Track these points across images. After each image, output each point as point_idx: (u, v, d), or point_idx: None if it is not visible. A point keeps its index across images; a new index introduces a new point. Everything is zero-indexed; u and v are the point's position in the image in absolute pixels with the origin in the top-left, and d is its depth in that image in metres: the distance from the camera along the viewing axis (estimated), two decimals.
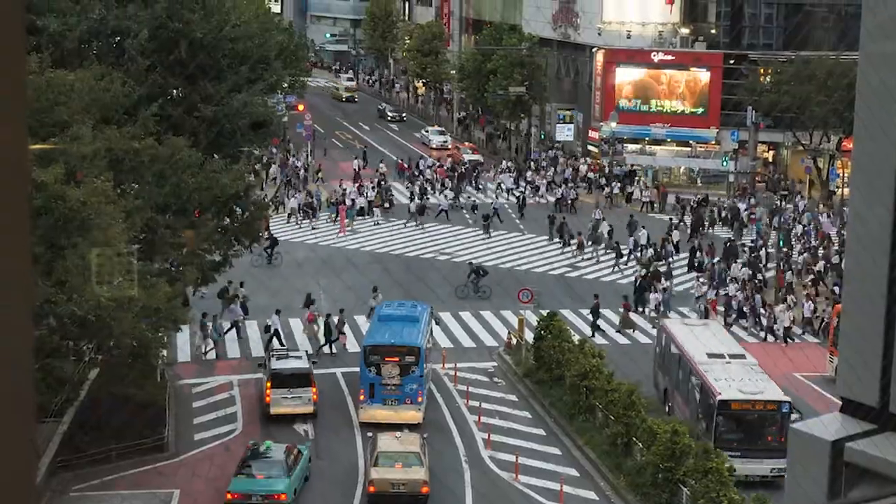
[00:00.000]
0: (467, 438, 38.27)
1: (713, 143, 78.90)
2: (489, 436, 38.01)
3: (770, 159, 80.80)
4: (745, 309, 51.19)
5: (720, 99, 78.60)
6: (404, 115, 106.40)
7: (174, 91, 45.31)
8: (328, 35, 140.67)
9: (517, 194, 72.85)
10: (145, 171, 36.14)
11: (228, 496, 32.46)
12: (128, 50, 41.85)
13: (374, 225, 67.23)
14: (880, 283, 4.03)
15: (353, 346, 45.68)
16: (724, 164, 75.62)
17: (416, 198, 70.85)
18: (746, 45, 79.18)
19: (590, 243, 61.50)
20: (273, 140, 73.17)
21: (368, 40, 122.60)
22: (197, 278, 39.29)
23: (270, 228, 62.72)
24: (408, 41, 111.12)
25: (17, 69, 2.19)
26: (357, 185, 72.98)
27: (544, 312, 44.48)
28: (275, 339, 45.82)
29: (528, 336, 44.89)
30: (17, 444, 2.17)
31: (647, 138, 79.89)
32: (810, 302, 51.03)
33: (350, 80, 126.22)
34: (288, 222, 67.00)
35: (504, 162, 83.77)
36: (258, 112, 48.06)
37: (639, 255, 59.57)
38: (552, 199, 72.54)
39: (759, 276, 55.58)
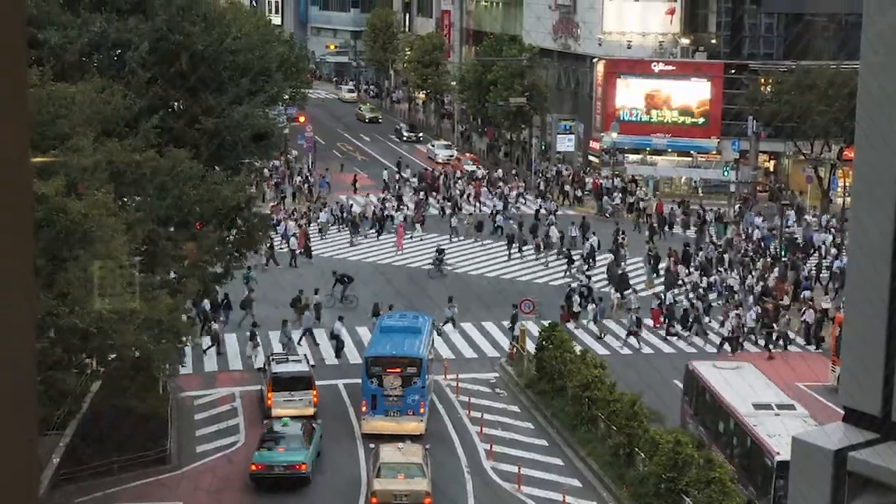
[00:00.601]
0: (469, 449, 38.25)
1: (714, 152, 78.97)
2: (491, 447, 37.98)
3: (771, 169, 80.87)
4: (689, 317, 50.55)
5: (721, 109, 78.68)
6: (421, 134, 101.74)
7: (175, 103, 45.38)
8: (328, 47, 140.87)
9: (488, 207, 71.65)
10: (146, 184, 36.16)
11: (253, 467, 34.68)
12: (129, 62, 41.91)
13: (419, 239, 65.80)
14: (882, 291, 4.03)
15: (354, 357, 45.80)
16: (725, 173, 75.65)
17: (452, 211, 69.29)
18: (747, 55, 79.29)
19: (542, 248, 61.98)
20: (276, 154, 73.01)
21: (369, 52, 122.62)
22: (199, 290, 39.30)
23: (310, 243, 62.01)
24: (408, 52, 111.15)
25: (18, 68, 2.20)
26: (385, 197, 72.74)
27: (546, 323, 44.51)
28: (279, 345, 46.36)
29: (530, 346, 44.86)
30: (19, 446, 2.17)
31: (647, 148, 79.95)
32: (752, 311, 50.71)
33: (351, 91, 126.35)
34: (322, 237, 65.36)
35: (477, 171, 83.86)
36: (259, 124, 48.14)
37: (591, 261, 60.04)
38: (529, 211, 71.26)
39: (707, 281, 55.43)
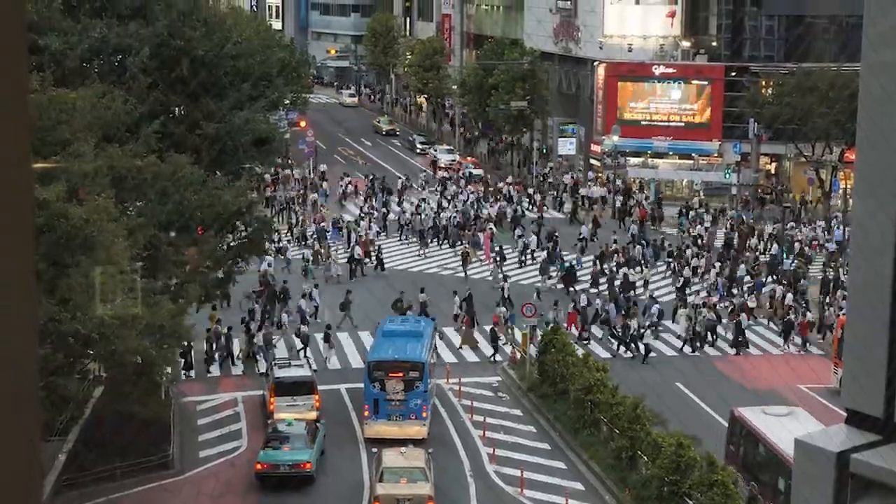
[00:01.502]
0: (472, 453, 38.23)
1: (715, 155, 78.90)
2: (494, 450, 37.96)
3: (773, 171, 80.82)
4: (606, 321, 50.11)
5: (722, 111, 78.63)
6: (434, 143, 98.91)
7: (176, 108, 45.43)
8: (329, 51, 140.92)
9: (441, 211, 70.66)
10: (147, 189, 36.17)
11: (258, 466, 35.12)
12: (129, 68, 41.94)
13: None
14: (884, 293, 4.03)
15: (357, 361, 45.79)
16: (727, 176, 75.66)
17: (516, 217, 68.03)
18: (748, 58, 79.24)
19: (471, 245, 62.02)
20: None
21: (370, 56, 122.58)
22: (200, 296, 39.30)
23: (380, 252, 60.69)
24: (409, 56, 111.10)
25: (19, 74, 2.20)
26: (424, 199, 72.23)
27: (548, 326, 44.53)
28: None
29: (532, 350, 44.86)
30: (21, 451, 2.17)
31: (649, 151, 79.90)
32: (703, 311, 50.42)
33: (352, 95, 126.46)
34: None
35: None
36: (260, 129, 48.18)
37: (525, 259, 60.49)
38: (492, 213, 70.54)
39: (624, 274, 55.43)
